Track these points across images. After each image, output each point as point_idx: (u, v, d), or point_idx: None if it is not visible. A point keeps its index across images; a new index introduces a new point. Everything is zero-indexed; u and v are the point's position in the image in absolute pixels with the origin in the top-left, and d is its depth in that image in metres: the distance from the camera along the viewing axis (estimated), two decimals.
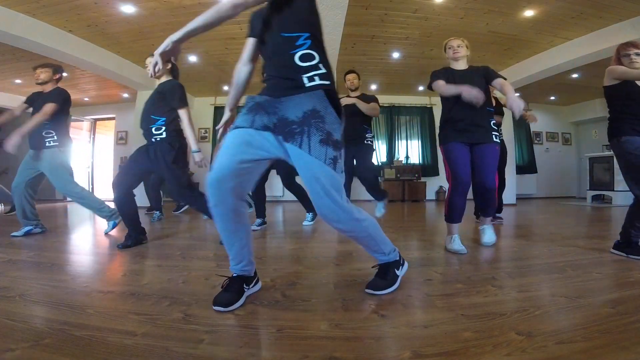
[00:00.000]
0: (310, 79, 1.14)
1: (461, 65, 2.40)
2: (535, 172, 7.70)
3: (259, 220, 3.25)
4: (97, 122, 8.24)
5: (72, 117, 7.58)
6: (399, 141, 7.64)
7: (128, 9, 3.70)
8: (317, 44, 1.19)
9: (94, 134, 8.17)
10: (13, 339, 0.95)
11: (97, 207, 2.97)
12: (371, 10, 3.86)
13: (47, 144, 2.81)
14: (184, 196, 2.44)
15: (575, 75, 5.82)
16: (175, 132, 2.39)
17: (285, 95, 1.14)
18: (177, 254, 2.10)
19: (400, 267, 1.43)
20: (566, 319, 1.09)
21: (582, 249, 2.17)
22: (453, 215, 2.24)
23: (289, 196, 7.19)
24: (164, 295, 1.33)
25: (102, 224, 3.85)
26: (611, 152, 5.87)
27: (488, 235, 2.35)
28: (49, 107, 2.70)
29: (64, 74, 3.73)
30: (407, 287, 1.43)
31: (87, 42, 4.45)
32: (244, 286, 1.29)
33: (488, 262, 1.88)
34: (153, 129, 2.37)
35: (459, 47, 2.37)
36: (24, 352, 0.88)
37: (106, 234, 2.96)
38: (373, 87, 6.88)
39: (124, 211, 2.49)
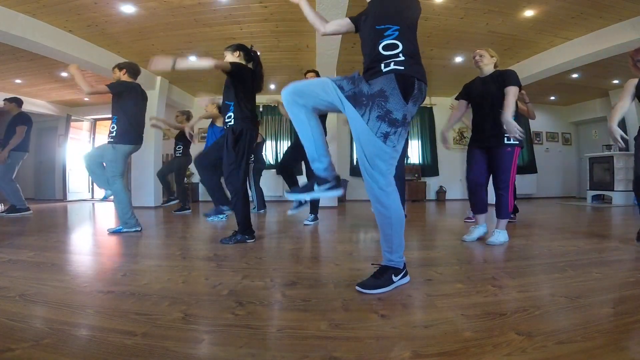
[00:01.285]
0: (387, 65, 1.29)
1: (485, 72, 2.47)
2: (535, 172, 7.70)
3: (311, 216, 3.41)
4: (97, 122, 8.24)
5: (72, 117, 7.58)
6: None
7: (128, 9, 3.70)
8: (404, 34, 1.33)
9: (94, 134, 8.17)
10: (13, 339, 0.95)
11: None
12: None
13: None
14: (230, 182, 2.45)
15: (575, 75, 5.82)
16: (240, 119, 2.42)
17: (369, 79, 1.34)
18: (177, 254, 2.10)
19: (400, 275, 1.42)
20: (566, 319, 1.09)
21: (582, 249, 2.17)
22: (472, 207, 2.61)
23: None
24: (164, 295, 1.33)
25: (103, 224, 3.86)
26: (611, 152, 5.91)
27: (495, 236, 2.36)
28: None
29: (64, 74, 3.73)
30: (407, 287, 1.43)
31: (87, 42, 4.46)
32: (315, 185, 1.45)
33: (488, 262, 1.88)
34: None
35: (481, 56, 2.46)
36: (24, 352, 0.88)
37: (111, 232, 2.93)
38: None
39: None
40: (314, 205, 3.51)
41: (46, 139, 8.01)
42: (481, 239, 2.47)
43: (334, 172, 1.47)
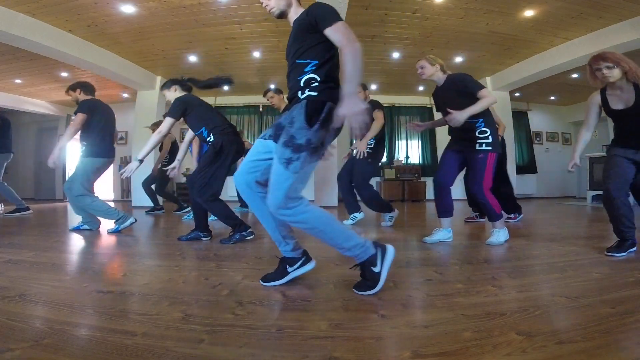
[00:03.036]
0: (303, 92, 1.31)
1: (438, 80, 2.40)
2: (535, 172, 7.71)
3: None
4: None
5: (72, 117, 7.58)
6: (399, 141, 7.65)
7: (128, 9, 3.70)
8: (321, 65, 1.32)
9: None
10: (13, 339, 0.95)
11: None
12: (371, 10, 3.87)
13: None
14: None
15: (575, 75, 5.82)
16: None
17: (288, 109, 1.37)
18: (177, 254, 2.10)
19: (377, 260, 1.34)
20: (566, 319, 1.09)
21: (582, 249, 2.17)
22: (436, 210, 2.51)
23: None
24: (164, 295, 1.33)
25: (103, 224, 3.86)
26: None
27: (494, 236, 2.35)
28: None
29: (64, 74, 3.74)
30: (407, 287, 1.43)
31: (87, 42, 4.46)
32: (287, 267, 1.48)
33: (488, 262, 1.88)
34: None
35: (422, 67, 2.38)
36: (24, 352, 0.88)
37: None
38: (373, 87, 6.88)
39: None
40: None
41: (46, 139, 8.01)
42: (477, 239, 2.47)
43: (300, 249, 1.51)
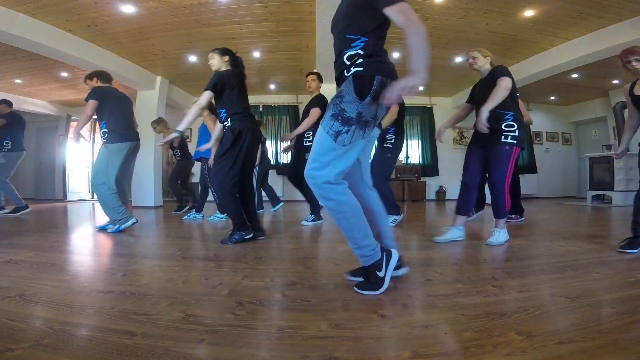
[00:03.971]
0: (348, 70, 1.33)
1: (483, 72, 2.48)
2: (536, 172, 7.70)
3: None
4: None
5: (72, 117, 7.57)
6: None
7: (128, 9, 3.70)
8: (369, 42, 1.33)
9: (94, 134, 8.16)
10: (13, 339, 0.95)
11: None
12: None
13: None
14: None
15: (575, 75, 5.82)
16: None
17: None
18: (177, 254, 2.10)
19: (383, 265, 1.34)
20: (566, 319, 1.09)
21: (582, 249, 2.17)
22: (457, 207, 2.53)
23: (289, 196, 7.19)
24: (164, 295, 1.33)
25: (101, 223, 3.86)
26: (611, 152, 5.91)
27: (494, 236, 2.34)
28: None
29: (64, 74, 3.75)
30: (407, 287, 1.43)
31: (87, 42, 4.45)
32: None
33: (488, 262, 1.88)
34: None
35: (474, 58, 2.49)
36: (24, 352, 0.88)
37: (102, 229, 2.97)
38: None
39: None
40: (314, 205, 3.49)
41: (46, 139, 8.01)
42: (477, 239, 2.47)
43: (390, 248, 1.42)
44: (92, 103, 2.89)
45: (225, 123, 2.48)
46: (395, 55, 5.15)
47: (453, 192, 7.62)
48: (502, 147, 2.28)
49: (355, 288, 1.36)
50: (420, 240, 2.63)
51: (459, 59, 5.27)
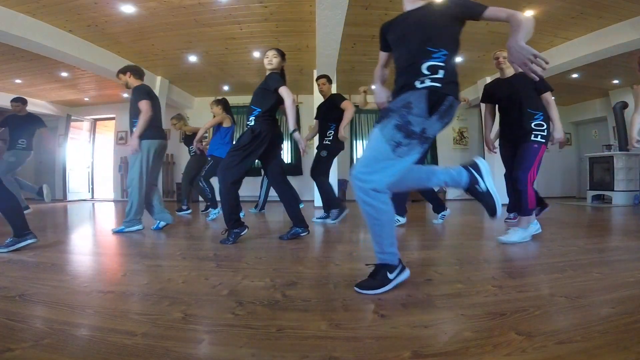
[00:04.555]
0: (422, 81, 1.31)
1: (507, 73, 2.61)
2: None
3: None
4: (97, 122, 8.24)
5: (72, 117, 7.58)
6: None
7: (128, 9, 3.70)
8: (450, 57, 1.36)
9: (94, 134, 8.17)
10: (13, 339, 0.95)
11: None
12: (371, 10, 3.87)
13: None
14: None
15: (575, 75, 5.82)
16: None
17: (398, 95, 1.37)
18: (177, 254, 2.10)
19: (396, 271, 1.38)
20: (566, 319, 1.09)
21: (582, 249, 2.17)
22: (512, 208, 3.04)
23: None
24: (164, 295, 1.33)
25: (102, 224, 3.86)
26: (611, 152, 5.92)
27: (509, 234, 2.34)
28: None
29: (64, 74, 3.74)
30: (407, 287, 1.43)
31: (87, 42, 4.46)
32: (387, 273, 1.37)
33: (488, 262, 1.88)
34: None
35: (504, 57, 2.59)
36: (24, 352, 0.88)
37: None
38: (373, 87, 6.88)
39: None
40: (329, 202, 3.54)
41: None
42: (478, 239, 2.47)
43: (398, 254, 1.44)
44: (148, 103, 2.86)
45: (248, 122, 2.50)
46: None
47: (453, 191, 7.63)
48: (530, 145, 2.38)
49: (355, 287, 1.37)
50: (420, 240, 2.63)
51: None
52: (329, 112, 3.53)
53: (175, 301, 1.26)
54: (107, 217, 4.59)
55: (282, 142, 2.65)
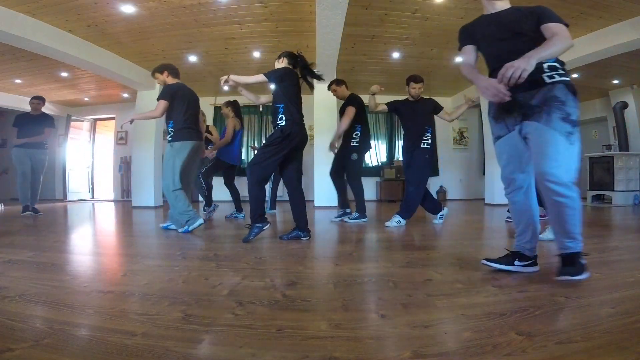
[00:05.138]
0: (551, 77, 1.43)
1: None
2: None
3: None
4: (97, 122, 8.24)
5: (72, 117, 7.58)
6: (399, 141, 7.65)
7: (128, 9, 3.70)
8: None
9: (94, 134, 8.17)
10: (13, 339, 0.95)
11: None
12: (371, 10, 3.86)
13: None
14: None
15: (575, 75, 5.81)
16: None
17: (526, 91, 1.45)
18: (177, 254, 2.10)
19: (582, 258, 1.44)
20: (566, 319, 1.09)
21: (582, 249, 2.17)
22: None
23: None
24: (164, 295, 1.33)
25: (102, 224, 3.86)
26: (611, 152, 5.91)
27: (548, 232, 2.38)
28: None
29: (64, 74, 3.73)
30: (407, 287, 1.43)
31: (87, 42, 4.45)
32: (515, 260, 1.59)
33: None
34: None
35: None
36: (24, 352, 0.88)
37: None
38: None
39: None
40: (361, 206, 3.60)
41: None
42: (478, 239, 2.46)
43: (536, 253, 1.61)
44: (163, 104, 2.83)
45: (279, 122, 2.49)
46: (395, 55, 5.15)
47: (453, 191, 7.63)
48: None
49: (560, 277, 1.42)
50: (420, 240, 2.63)
51: (459, 59, 5.27)
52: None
53: (175, 301, 1.26)
54: (107, 217, 4.59)
55: (305, 145, 2.64)
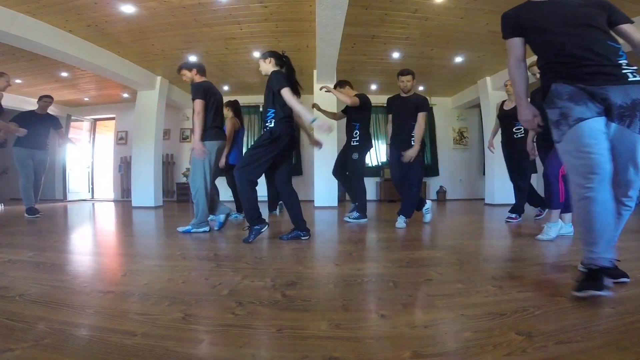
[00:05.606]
0: (633, 74, 1.34)
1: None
2: (536, 171, 7.68)
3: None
4: (97, 122, 8.24)
5: (72, 117, 7.58)
6: None
7: (128, 9, 3.70)
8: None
9: (94, 134, 8.17)
10: (13, 339, 0.95)
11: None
12: (371, 10, 3.86)
13: None
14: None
15: None
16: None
17: (609, 85, 1.33)
18: (177, 254, 2.10)
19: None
20: (566, 319, 1.09)
21: (582, 248, 2.17)
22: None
23: None
24: (164, 295, 1.33)
25: (101, 223, 3.86)
26: None
27: (544, 231, 2.41)
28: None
29: (64, 74, 3.71)
30: (407, 287, 1.43)
31: (87, 42, 4.45)
32: (604, 279, 1.23)
33: (488, 262, 1.88)
34: None
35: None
36: (24, 352, 0.88)
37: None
38: (373, 87, 6.88)
39: None
40: (363, 206, 3.60)
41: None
42: (477, 239, 2.47)
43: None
44: (201, 103, 2.79)
45: (267, 123, 2.48)
46: (395, 55, 5.15)
47: (453, 191, 7.63)
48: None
49: (575, 292, 1.24)
50: (420, 240, 2.63)
51: (459, 59, 5.27)
52: (352, 111, 3.58)
53: (175, 301, 1.26)
54: (107, 217, 4.59)
55: (295, 147, 2.62)
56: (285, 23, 4.15)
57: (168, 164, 7.50)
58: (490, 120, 5.87)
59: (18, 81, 5.95)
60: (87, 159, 8.02)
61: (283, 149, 2.48)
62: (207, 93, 2.86)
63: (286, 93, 2.35)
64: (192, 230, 2.87)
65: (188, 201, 5.43)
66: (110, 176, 8.05)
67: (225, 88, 6.85)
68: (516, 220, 3.53)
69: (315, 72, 5.37)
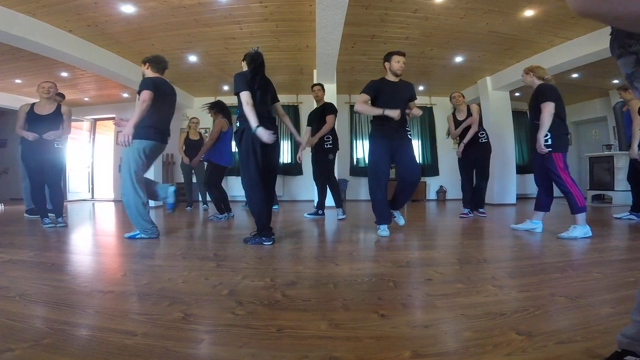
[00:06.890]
0: None
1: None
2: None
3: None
4: (97, 122, 8.24)
5: (72, 117, 7.57)
6: None
7: (128, 9, 3.70)
8: None
9: (94, 134, 8.16)
10: (13, 339, 0.95)
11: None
12: (371, 10, 3.86)
13: None
14: None
15: (575, 75, 5.82)
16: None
17: None
18: (177, 254, 2.10)
19: None
20: (566, 319, 1.09)
21: (582, 249, 2.17)
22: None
23: (288, 196, 7.19)
24: (164, 295, 1.33)
25: (101, 223, 3.86)
26: (611, 152, 5.92)
27: (569, 230, 2.56)
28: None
29: (64, 74, 3.68)
30: (407, 287, 1.43)
31: (87, 42, 4.45)
32: None
33: (488, 262, 1.88)
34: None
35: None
36: (24, 352, 0.88)
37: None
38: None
39: None
40: (340, 200, 3.93)
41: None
42: (476, 239, 2.46)
43: None
44: (149, 93, 2.56)
45: (237, 123, 2.51)
46: None
47: (453, 191, 7.63)
48: (547, 155, 2.59)
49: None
50: (420, 240, 2.63)
51: (459, 59, 5.27)
52: (325, 118, 3.80)
53: (175, 301, 1.26)
54: (107, 217, 4.59)
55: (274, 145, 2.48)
56: (285, 23, 4.15)
57: (168, 164, 7.49)
58: (490, 120, 5.88)
59: (18, 81, 5.95)
60: (87, 159, 8.02)
61: (260, 144, 2.35)
62: (157, 89, 2.64)
63: (242, 97, 2.35)
64: (136, 237, 2.60)
65: (185, 201, 5.45)
66: (110, 176, 8.05)
67: (225, 88, 6.85)
68: (467, 216, 3.88)
69: (315, 72, 5.37)
